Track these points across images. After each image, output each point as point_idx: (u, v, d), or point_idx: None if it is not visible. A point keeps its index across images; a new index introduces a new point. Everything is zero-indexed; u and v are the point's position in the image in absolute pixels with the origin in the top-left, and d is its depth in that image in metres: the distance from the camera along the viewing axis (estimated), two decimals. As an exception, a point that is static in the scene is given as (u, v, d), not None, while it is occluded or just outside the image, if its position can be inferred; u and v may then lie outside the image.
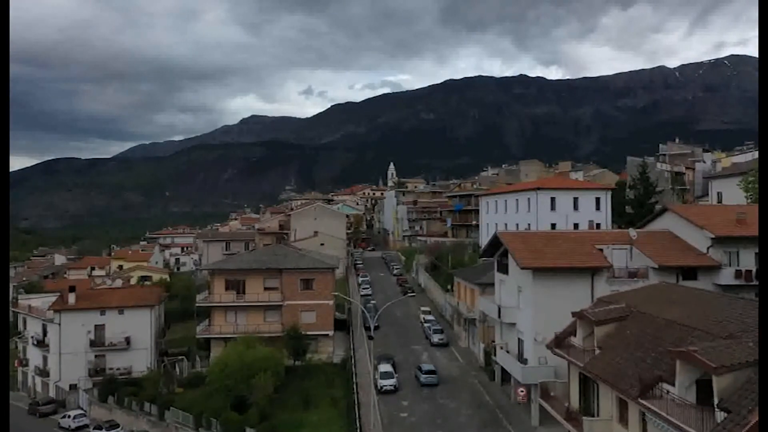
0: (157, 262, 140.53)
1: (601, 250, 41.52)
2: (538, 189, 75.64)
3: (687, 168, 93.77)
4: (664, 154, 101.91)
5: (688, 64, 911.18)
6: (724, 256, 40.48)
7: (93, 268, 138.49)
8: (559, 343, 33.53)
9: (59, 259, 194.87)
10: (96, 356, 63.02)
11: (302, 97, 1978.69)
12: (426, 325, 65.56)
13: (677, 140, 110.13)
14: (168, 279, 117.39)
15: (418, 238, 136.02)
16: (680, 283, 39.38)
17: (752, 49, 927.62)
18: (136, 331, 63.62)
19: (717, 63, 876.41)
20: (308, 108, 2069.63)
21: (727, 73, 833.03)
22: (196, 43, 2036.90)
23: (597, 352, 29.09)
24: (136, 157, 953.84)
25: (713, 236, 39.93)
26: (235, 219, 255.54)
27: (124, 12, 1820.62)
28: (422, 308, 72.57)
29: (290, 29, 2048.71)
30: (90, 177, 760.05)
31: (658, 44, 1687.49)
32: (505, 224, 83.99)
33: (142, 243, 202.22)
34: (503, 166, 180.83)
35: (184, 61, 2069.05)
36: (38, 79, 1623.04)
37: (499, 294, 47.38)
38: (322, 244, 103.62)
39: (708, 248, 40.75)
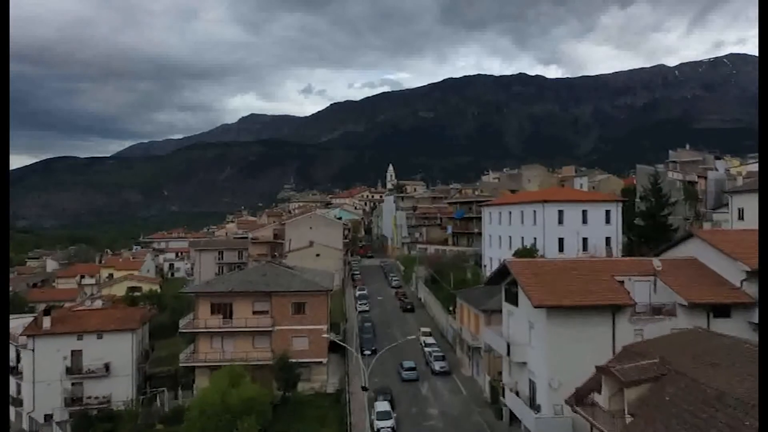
0: (148, 270, 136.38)
1: (622, 282, 37.37)
2: (545, 202, 71.38)
3: (699, 176, 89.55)
4: (674, 161, 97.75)
5: (687, 63, 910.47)
6: (760, 290, 36.31)
7: (83, 277, 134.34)
8: (581, 399, 29.34)
9: (51, 265, 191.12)
10: (73, 384, 58.80)
11: (302, 95, 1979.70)
12: (427, 349, 61.32)
13: (687, 146, 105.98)
14: (158, 290, 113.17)
15: (418, 245, 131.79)
16: (712, 321, 35.25)
17: (751, 48, 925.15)
18: (117, 357, 59.37)
19: (716, 62, 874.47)
20: (308, 107, 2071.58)
21: (726, 72, 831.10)
22: (195, 41, 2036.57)
23: (629, 419, 24.89)
24: (134, 155, 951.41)
25: (749, 269, 35.70)
26: (232, 221, 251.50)
27: (124, 11, 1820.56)
28: (422, 329, 68.33)
29: (290, 28, 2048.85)
30: (88, 176, 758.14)
31: (658, 43, 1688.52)
32: (509, 237, 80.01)
33: (135, 248, 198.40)
34: (504, 170, 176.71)
35: (183, 59, 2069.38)
36: (38, 78, 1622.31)
37: (507, 326, 43.15)
38: (317, 255, 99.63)
39: (742, 282, 36.50)
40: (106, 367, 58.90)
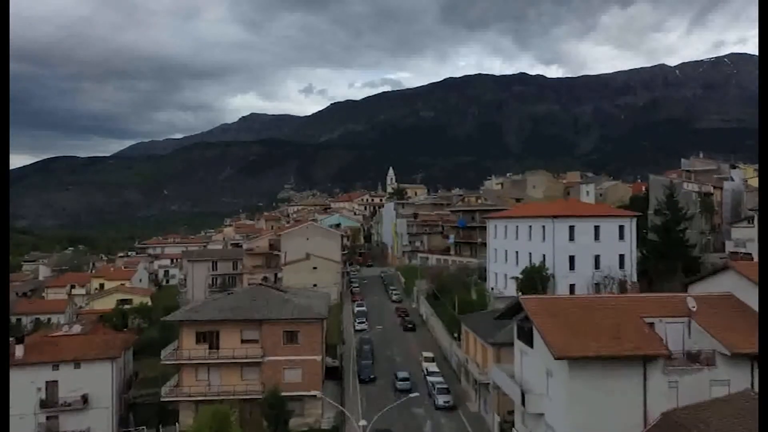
0: (141, 280, 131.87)
1: (652, 324, 33.10)
2: (555, 217, 67.03)
3: (714, 187, 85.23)
4: (688, 170, 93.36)
5: (687, 63, 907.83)
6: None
7: (73, 287, 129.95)
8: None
9: (43, 272, 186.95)
10: (48, 418, 54.32)
11: (302, 95, 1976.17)
12: (430, 379, 56.97)
13: (701, 154, 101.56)
14: (149, 302, 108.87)
15: (419, 254, 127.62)
16: (756, 372, 30.98)
17: (752, 48, 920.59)
18: (95, 388, 54.91)
19: (717, 61, 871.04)
20: (308, 106, 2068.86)
21: (726, 72, 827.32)
22: (196, 41, 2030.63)
23: None
24: (135, 155, 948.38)
25: (798, 312, 31.38)
26: (230, 225, 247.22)
27: (125, 10, 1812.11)
28: (425, 354, 64.00)
29: (291, 27, 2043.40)
30: (88, 175, 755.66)
31: (658, 43, 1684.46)
32: (516, 252, 75.77)
33: (131, 253, 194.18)
34: (508, 174, 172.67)
35: (184, 59, 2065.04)
36: (38, 77, 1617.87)
37: (520, 368, 38.79)
38: (314, 268, 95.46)
39: (789, 325, 32.25)
40: (84, 399, 54.50)
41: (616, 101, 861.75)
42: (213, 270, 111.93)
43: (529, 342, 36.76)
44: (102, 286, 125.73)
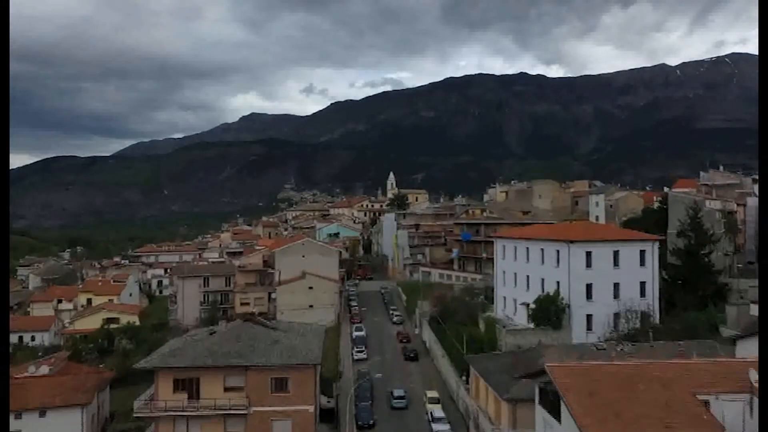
0: (131, 294, 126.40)
1: (707, 403, 27.56)
2: (571, 242, 61.38)
3: (738, 204, 79.65)
4: (707, 184, 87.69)
5: (688, 62, 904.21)
6: None
7: (60, 301, 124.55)
8: None
9: (33, 281, 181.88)
10: (10, 473, 48.89)
11: (303, 95, 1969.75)
12: (435, 427, 51.33)
13: (721, 168, 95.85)
14: (137, 322, 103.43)
15: (421, 268, 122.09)
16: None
17: (753, 48, 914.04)
18: (63, 438, 49.52)
19: (718, 61, 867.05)
20: (309, 106, 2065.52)
21: (727, 72, 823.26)
22: (197, 40, 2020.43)
23: None
24: (135, 155, 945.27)
25: None
26: (227, 231, 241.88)
27: (125, 10, 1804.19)
28: (429, 394, 58.32)
29: (291, 27, 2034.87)
30: (88, 175, 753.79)
31: (659, 43, 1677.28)
32: (527, 276, 70.22)
33: (123, 262, 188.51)
34: (513, 182, 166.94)
35: (185, 58, 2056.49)
36: (39, 77, 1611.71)
37: (543, 440, 33.24)
38: (310, 288, 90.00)
39: None
40: (51, 451, 49.11)
41: (616, 101, 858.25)
42: (205, 286, 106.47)
43: (556, 414, 31.17)
44: (90, 301, 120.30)
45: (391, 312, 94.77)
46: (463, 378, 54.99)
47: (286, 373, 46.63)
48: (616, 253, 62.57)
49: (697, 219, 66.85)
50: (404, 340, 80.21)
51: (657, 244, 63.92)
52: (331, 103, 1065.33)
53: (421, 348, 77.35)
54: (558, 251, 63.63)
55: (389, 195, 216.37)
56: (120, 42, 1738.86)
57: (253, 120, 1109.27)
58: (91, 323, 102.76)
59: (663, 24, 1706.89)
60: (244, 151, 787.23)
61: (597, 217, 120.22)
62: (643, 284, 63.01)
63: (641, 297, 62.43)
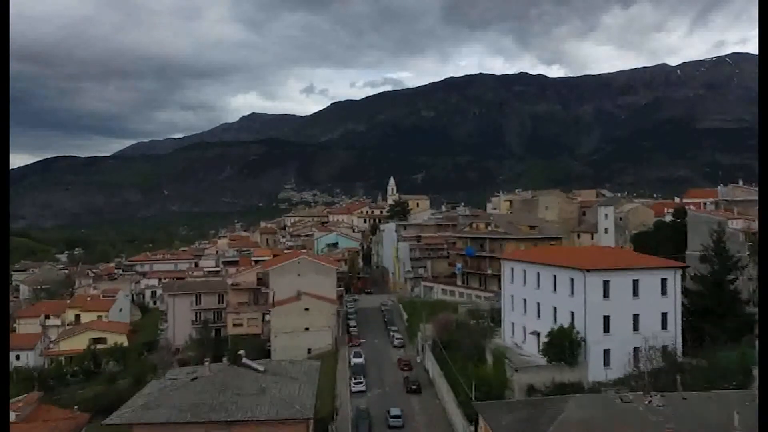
0: (121, 310, 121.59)
1: None
2: (587, 271, 56.57)
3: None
4: (727, 200, 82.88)
5: (689, 62, 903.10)
6: None
7: (47, 317, 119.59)
8: None
9: (23, 291, 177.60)
10: None
11: (303, 95, 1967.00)
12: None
13: (741, 182, 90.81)
14: (125, 343, 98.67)
15: (422, 282, 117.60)
16: None
17: (754, 48, 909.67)
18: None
19: (719, 61, 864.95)
20: (309, 106, 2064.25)
21: (728, 72, 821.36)
22: (197, 40, 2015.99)
23: None
24: (135, 155, 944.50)
25: None
26: (224, 236, 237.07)
27: (126, 10, 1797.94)
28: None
29: (292, 27, 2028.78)
30: (88, 175, 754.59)
31: (660, 42, 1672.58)
32: (538, 303, 65.55)
33: (117, 271, 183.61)
34: (517, 191, 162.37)
35: (185, 58, 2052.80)
36: (39, 77, 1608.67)
37: None
38: (306, 309, 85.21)
39: None
40: None
41: (617, 101, 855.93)
42: (197, 304, 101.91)
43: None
44: (78, 317, 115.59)
45: (391, 334, 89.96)
46: (472, 424, 50.12)
47: (275, 428, 41.82)
48: (635, 282, 57.79)
49: (721, 243, 62.04)
50: (406, 368, 75.44)
51: (679, 273, 59.11)
52: (332, 103, 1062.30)
53: (423, 377, 72.52)
54: (572, 279, 58.88)
55: (390, 201, 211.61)
56: (120, 42, 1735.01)
57: (253, 120, 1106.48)
58: (77, 343, 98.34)
59: (663, 24, 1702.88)
60: (244, 151, 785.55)
61: (606, 230, 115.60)
62: (664, 315, 58.25)
63: (662, 329, 57.73)
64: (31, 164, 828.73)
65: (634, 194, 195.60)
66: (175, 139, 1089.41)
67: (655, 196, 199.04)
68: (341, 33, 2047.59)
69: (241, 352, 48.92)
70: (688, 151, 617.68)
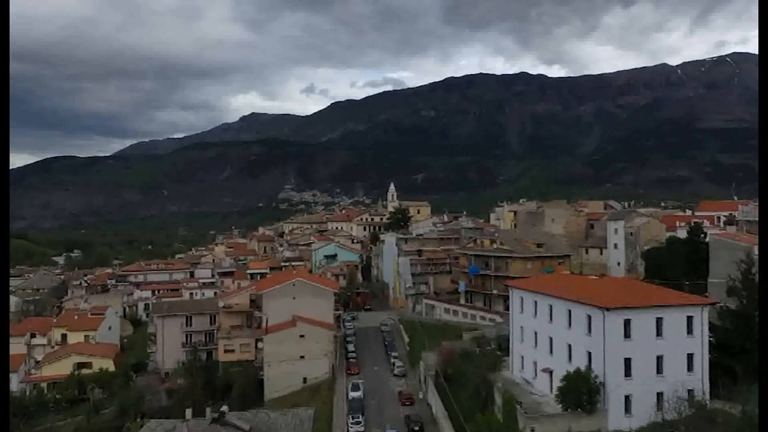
0: (110, 328, 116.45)
1: None
2: (607, 310, 51.59)
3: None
4: (749, 221, 78.03)
5: (689, 62, 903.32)
6: None
7: (33, 335, 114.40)
8: None
9: (14, 303, 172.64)
10: None
11: (303, 95, 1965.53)
12: None
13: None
14: (111, 368, 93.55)
15: (424, 299, 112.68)
16: None
17: (754, 47, 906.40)
18: None
19: (719, 61, 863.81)
20: (309, 106, 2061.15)
21: (729, 71, 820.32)
22: (198, 40, 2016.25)
23: None
24: (135, 155, 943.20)
25: None
26: (221, 243, 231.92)
27: (127, 10, 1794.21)
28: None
29: (293, 27, 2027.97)
30: (88, 175, 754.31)
31: (660, 43, 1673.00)
32: (550, 338, 60.75)
33: (110, 281, 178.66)
34: (521, 200, 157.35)
35: (186, 58, 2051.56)
36: (39, 77, 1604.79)
37: None
38: (302, 336, 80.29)
39: None
40: None
41: (617, 101, 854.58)
42: (187, 326, 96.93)
43: None
44: (64, 337, 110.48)
45: (392, 361, 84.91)
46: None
47: (261, 503, 37.00)
48: (659, 321, 52.81)
49: (750, 276, 57.08)
50: (407, 402, 70.51)
51: (707, 309, 54.13)
52: (332, 103, 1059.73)
53: (426, 413, 67.55)
54: (590, 317, 53.87)
55: (390, 208, 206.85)
56: (121, 42, 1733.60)
57: (254, 120, 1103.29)
58: (61, 368, 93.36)
59: (664, 24, 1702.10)
60: (244, 151, 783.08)
61: (616, 245, 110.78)
62: (690, 356, 53.32)
63: (688, 372, 52.88)
64: (31, 164, 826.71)
65: (641, 202, 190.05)
66: (175, 139, 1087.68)
67: (663, 205, 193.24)
68: (342, 33, 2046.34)
69: (224, 408, 43.86)
70: (689, 151, 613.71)
